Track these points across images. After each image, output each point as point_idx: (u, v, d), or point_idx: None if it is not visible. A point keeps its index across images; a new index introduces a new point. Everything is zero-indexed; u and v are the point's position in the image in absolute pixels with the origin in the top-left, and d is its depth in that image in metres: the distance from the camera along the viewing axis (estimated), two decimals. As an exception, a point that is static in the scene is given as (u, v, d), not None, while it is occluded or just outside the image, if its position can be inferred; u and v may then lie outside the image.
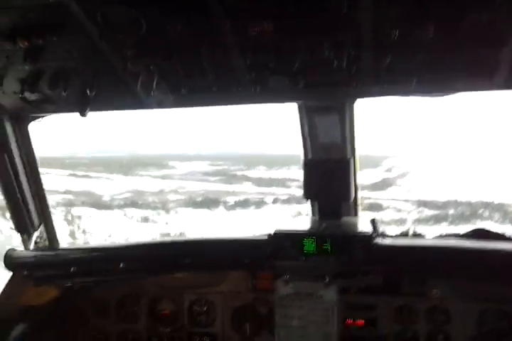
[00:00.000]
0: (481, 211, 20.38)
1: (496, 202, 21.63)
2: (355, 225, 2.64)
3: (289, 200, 22.22)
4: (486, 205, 21.20)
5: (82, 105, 2.08)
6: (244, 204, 21.11)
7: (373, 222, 2.54)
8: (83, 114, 2.06)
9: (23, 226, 2.92)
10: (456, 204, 21.68)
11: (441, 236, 2.52)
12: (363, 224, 2.55)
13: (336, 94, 2.25)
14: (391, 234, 2.57)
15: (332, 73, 1.91)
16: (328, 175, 2.46)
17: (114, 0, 1.61)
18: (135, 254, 2.77)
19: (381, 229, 2.51)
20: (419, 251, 2.41)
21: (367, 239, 2.31)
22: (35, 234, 2.93)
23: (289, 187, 26.06)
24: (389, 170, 38.23)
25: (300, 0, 1.52)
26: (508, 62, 1.74)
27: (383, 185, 27.75)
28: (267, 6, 1.55)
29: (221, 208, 20.40)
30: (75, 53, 1.91)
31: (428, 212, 18.36)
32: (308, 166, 2.59)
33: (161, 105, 2.25)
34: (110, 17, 1.64)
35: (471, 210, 20.24)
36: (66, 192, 23.57)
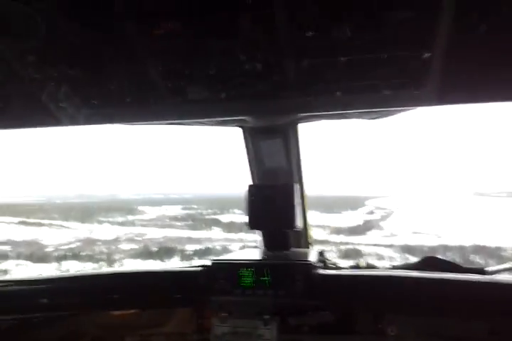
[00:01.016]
0: (473, 257, 17.78)
1: (491, 246, 19.19)
2: (301, 256, 2.28)
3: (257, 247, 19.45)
4: (480, 250, 18.68)
5: None
6: (204, 253, 18.39)
7: (321, 253, 2.38)
8: None
9: None
10: (444, 249, 19.13)
11: (391, 268, 2.36)
12: (311, 256, 2.23)
13: (258, 109, 1.95)
14: (340, 266, 2.34)
15: (251, 83, 1.69)
16: (272, 202, 2.24)
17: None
18: (61, 288, 2.43)
19: (330, 261, 2.34)
20: (369, 281, 2.11)
21: (308, 269, 2.07)
22: None
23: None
24: (371, 212, 36.09)
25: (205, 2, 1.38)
26: (443, 70, 1.49)
27: (363, 228, 25.51)
28: (175, 4, 1.40)
29: (176, 258, 17.61)
30: None
31: (413, 259, 15.44)
32: (252, 192, 2.32)
33: (73, 121, 1.96)
34: (5, 17, 1.47)
35: (463, 256, 17.65)
36: (6, 242, 20.66)
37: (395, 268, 2.38)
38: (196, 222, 29.64)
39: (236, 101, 1.83)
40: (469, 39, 1.39)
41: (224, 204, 37.63)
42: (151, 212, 37.11)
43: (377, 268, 2.40)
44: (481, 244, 19.24)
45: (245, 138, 2.47)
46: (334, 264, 2.40)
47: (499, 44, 1.39)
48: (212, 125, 2.35)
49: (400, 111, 2.05)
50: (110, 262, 17.20)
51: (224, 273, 2.16)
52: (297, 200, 2.33)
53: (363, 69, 1.59)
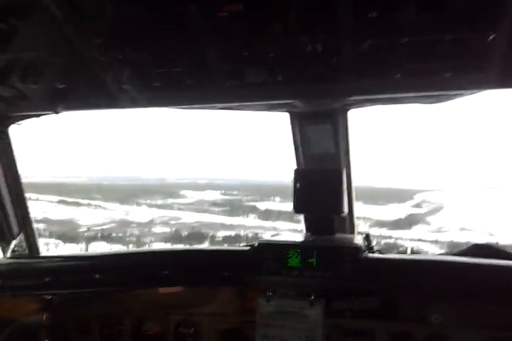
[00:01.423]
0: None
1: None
2: (346, 240, 2.35)
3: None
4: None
5: (54, 101, 2.02)
6: (233, 240, 17.72)
7: (367, 237, 2.37)
8: (56, 111, 2.04)
9: (2, 234, 2.83)
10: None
11: (438, 254, 2.41)
12: (356, 240, 2.29)
13: (321, 93, 1.97)
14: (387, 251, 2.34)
15: (312, 65, 1.69)
16: (319, 187, 2.27)
17: None
18: (110, 264, 2.58)
19: (376, 246, 2.33)
20: (416, 266, 2.15)
21: (355, 253, 2.09)
22: (14, 242, 2.85)
23: (298, 221, 22.42)
24: (418, 205, 34.01)
25: None
26: (501, 53, 1.47)
27: (407, 222, 23.86)
28: None
29: (205, 244, 17.00)
30: (41, 40, 1.77)
31: None
32: (299, 177, 2.34)
33: (135, 102, 2.04)
34: (75, 0, 1.56)
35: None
36: (42, 220, 20.87)
37: (443, 254, 2.34)
38: (233, 207, 29.01)
39: (293, 84, 1.80)
40: None
41: (266, 192, 36.20)
42: (191, 196, 36.74)
43: (421, 253, 2.36)
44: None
45: (292, 122, 2.41)
46: (379, 249, 2.33)
47: None
48: (261, 110, 2.33)
49: (459, 95, 1.96)
50: (139, 245, 16.90)
51: (272, 254, 2.15)
52: (344, 186, 2.28)
53: (425, 51, 1.54)
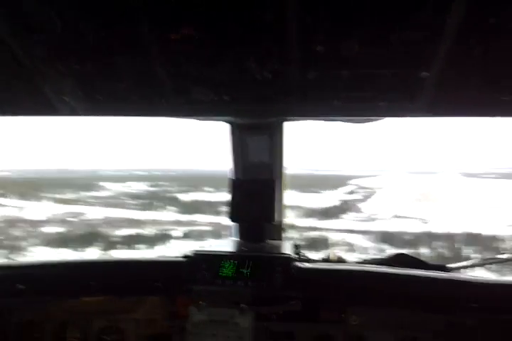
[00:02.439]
0: (460, 246, 14.39)
1: (483, 233, 15.78)
2: (277, 249, 2.40)
3: (205, 234, 16.03)
4: (472, 238, 15.22)
5: None
6: (135, 240, 14.74)
7: (296, 246, 2.41)
8: None
9: None
10: (429, 237, 15.63)
11: (362, 262, 2.47)
12: (286, 248, 2.35)
13: (262, 112, 2.11)
14: (313, 259, 2.42)
15: (257, 88, 1.79)
16: (254, 196, 2.36)
17: None
18: (38, 274, 2.42)
19: (303, 254, 2.40)
20: (340, 276, 2.26)
21: (286, 263, 2.15)
22: None
23: (218, 213, 20.09)
24: (351, 192, 32.59)
25: (224, 7, 1.43)
26: (436, 87, 1.66)
27: (338, 210, 21.97)
28: (192, 11, 1.46)
29: (92, 249, 13.89)
30: None
31: (391, 251, 11.85)
32: (235, 186, 2.45)
33: (75, 112, 1.98)
34: (23, 12, 1.51)
35: (451, 247, 14.20)
36: None
37: (365, 262, 2.43)
38: (154, 200, 25.94)
39: (238, 103, 1.88)
40: (463, 62, 1.53)
41: (201, 182, 34.88)
42: (112, 189, 33.41)
43: (348, 262, 2.44)
44: (472, 231, 15.88)
45: (232, 133, 2.48)
46: (307, 257, 2.38)
47: (489, 68, 1.56)
48: (203, 120, 2.36)
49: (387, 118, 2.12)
50: (12, 250, 13.42)
51: (206, 264, 2.16)
52: (278, 195, 2.39)
53: (364, 81, 1.67)
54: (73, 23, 1.52)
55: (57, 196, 27.13)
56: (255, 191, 2.37)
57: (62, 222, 18.39)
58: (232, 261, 2.17)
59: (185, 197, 27.60)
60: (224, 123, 2.47)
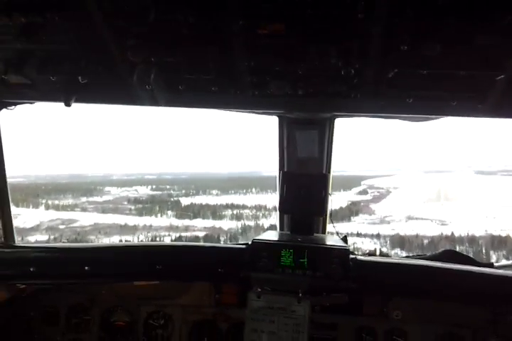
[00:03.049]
0: (487, 250, 12.55)
1: (503, 234, 13.93)
2: (328, 241, 2.36)
3: (197, 241, 14.51)
4: (497, 241, 13.39)
5: (68, 93, 1.93)
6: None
7: (345, 239, 2.43)
8: (68, 104, 1.93)
9: None
10: (451, 240, 13.83)
11: (410, 257, 2.53)
12: (336, 241, 2.33)
13: (331, 106, 2.10)
14: (359, 252, 2.46)
15: (335, 83, 1.84)
16: (305, 190, 2.36)
17: None
18: (101, 257, 2.45)
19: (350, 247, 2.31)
20: (390, 268, 2.27)
21: (344, 254, 2.13)
22: None
23: (220, 217, 18.56)
24: (364, 191, 30.74)
25: (315, 4, 1.48)
26: (502, 89, 1.73)
27: (349, 212, 20.20)
28: (281, 7, 1.50)
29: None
30: (73, 36, 1.75)
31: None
32: (285, 180, 2.41)
33: (155, 102, 2.04)
34: (119, 1, 1.57)
35: (476, 251, 12.39)
36: None
37: (413, 257, 2.48)
38: (155, 204, 24.61)
39: (309, 97, 1.93)
40: None
41: (209, 185, 33.67)
42: (114, 193, 32.20)
43: (390, 256, 2.53)
44: (497, 233, 14.09)
45: (281, 126, 2.53)
46: (352, 251, 2.34)
47: None
48: (256, 113, 2.43)
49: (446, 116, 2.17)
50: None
51: (266, 252, 2.19)
52: (328, 190, 2.41)
53: (439, 81, 1.72)
54: (166, 14, 1.55)
55: (56, 202, 26.01)
56: (307, 185, 2.36)
57: (50, 229, 17.11)
58: (291, 250, 2.17)
59: (187, 200, 26.17)
60: (274, 117, 2.50)
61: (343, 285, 2.12)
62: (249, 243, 2.26)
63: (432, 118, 2.22)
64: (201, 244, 2.77)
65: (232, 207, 22.64)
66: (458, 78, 1.70)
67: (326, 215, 2.60)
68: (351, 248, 2.31)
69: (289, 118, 2.47)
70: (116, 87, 1.98)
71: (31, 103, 2.37)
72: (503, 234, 14.02)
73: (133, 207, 24.17)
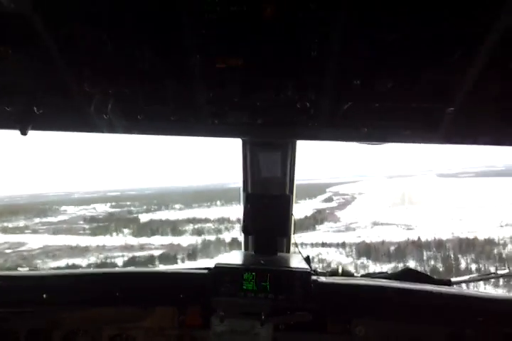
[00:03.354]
0: (455, 254, 12.15)
1: (476, 237, 13.62)
2: (291, 262, 2.36)
3: (152, 261, 13.48)
4: (465, 244, 13.04)
5: (24, 123, 1.81)
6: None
7: (307, 259, 2.40)
8: (24, 133, 1.80)
9: None
10: (418, 246, 13.35)
11: (370, 276, 2.46)
12: (299, 261, 2.32)
13: (289, 133, 2.09)
14: (322, 271, 2.45)
15: (291, 113, 1.83)
16: (268, 210, 2.39)
17: (83, 17, 1.47)
18: (59, 285, 2.36)
19: (313, 266, 2.39)
20: (356, 289, 2.24)
21: (306, 277, 2.13)
22: None
23: (180, 233, 17.54)
24: (329, 199, 30.36)
25: (271, 41, 1.49)
26: (456, 120, 1.74)
27: (314, 221, 19.53)
28: (239, 43, 1.52)
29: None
30: (27, 68, 1.69)
31: (372, 267, 9.93)
32: (249, 201, 2.43)
33: (112, 130, 1.95)
34: (74, 34, 1.51)
35: (444, 257, 11.93)
36: None
37: (373, 276, 2.47)
38: (112, 222, 23.25)
39: (267, 126, 1.97)
40: (480, 100, 1.67)
41: (172, 199, 32.79)
42: (70, 213, 30.63)
43: (353, 274, 2.49)
44: (463, 236, 13.74)
45: (244, 149, 2.53)
46: (315, 270, 2.43)
47: (502, 107, 1.67)
48: (219, 137, 2.33)
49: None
50: None
51: (228, 277, 2.19)
52: (291, 210, 2.48)
53: (392, 112, 1.80)
54: (125, 47, 1.55)
55: (5, 224, 24.16)
56: (271, 205, 2.40)
57: (-3, 254, 15.60)
58: (253, 274, 2.20)
59: (147, 216, 24.95)
60: (238, 139, 2.51)
61: (304, 306, 2.16)
62: (211, 267, 2.29)
63: (388, 142, 2.21)
64: (161, 269, 2.68)
65: (194, 221, 21.64)
66: (409, 110, 1.77)
67: (290, 234, 2.61)
68: (316, 262, 2.36)
69: (252, 142, 2.48)
70: (73, 116, 1.92)
71: None
72: (471, 237, 13.64)
73: (87, 227, 22.72)
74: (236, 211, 27.16)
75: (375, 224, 17.76)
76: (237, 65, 1.58)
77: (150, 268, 2.69)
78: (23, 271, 2.80)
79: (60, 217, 27.75)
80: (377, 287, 2.21)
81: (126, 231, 20.21)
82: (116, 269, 3.08)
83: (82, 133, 2.06)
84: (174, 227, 18.98)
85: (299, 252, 2.55)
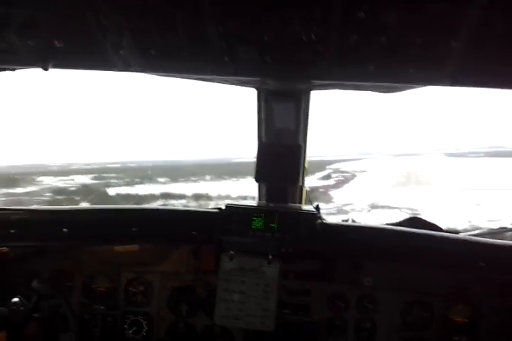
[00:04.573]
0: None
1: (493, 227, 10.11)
2: (299, 208, 2.58)
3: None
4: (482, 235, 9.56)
5: (46, 57, 1.98)
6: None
7: (317, 207, 2.49)
8: (46, 68, 1.98)
9: None
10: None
11: (378, 224, 2.60)
12: (306, 208, 2.51)
13: (297, 73, 2.16)
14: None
15: (299, 49, 1.89)
16: (280, 159, 2.46)
17: None
18: (78, 220, 2.54)
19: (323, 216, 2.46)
20: (359, 232, 2.42)
21: (312, 218, 2.31)
22: None
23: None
24: (327, 176, 27.22)
25: None
26: (462, 58, 1.78)
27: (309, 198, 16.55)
28: None
29: None
30: (47, 1, 1.79)
31: None
32: (262, 149, 2.53)
33: (128, 67, 2.08)
34: None
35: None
36: None
37: (379, 224, 2.58)
38: (79, 195, 20.57)
39: (276, 64, 1.95)
40: (487, 36, 1.64)
41: (162, 172, 30.51)
42: (45, 183, 28.12)
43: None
44: (480, 225, 10.67)
45: (259, 98, 2.57)
46: (325, 219, 2.42)
47: (510, 43, 1.67)
48: (233, 84, 2.46)
49: (411, 87, 2.30)
50: None
51: (238, 217, 2.29)
52: (302, 160, 2.48)
53: (397, 48, 1.77)
54: None
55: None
56: (282, 154, 2.41)
57: None
58: (262, 214, 2.27)
59: (119, 190, 22.14)
60: (252, 89, 2.52)
61: (310, 247, 2.23)
62: (223, 208, 2.37)
63: (398, 89, 2.30)
64: (174, 207, 2.78)
65: (168, 197, 18.69)
66: (414, 45, 1.71)
67: (303, 185, 2.69)
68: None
69: (266, 90, 2.49)
70: (90, 53, 1.95)
71: (12, 70, 2.30)
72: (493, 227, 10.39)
73: (48, 199, 19.92)
74: (223, 186, 24.56)
75: (373, 206, 14.58)
76: None
77: (162, 206, 3.00)
78: (39, 207, 2.96)
79: (30, 188, 25.12)
80: (384, 229, 2.35)
81: (84, 205, 17.28)
82: (131, 206, 3.18)
83: (99, 70, 2.15)
84: (137, 203, 16.00)
85: (310, 201, 2.65)
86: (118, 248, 2.46)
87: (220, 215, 2.35)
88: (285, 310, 2.44)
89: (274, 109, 2.54)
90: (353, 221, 2.62)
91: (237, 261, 2.24)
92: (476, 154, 44.28)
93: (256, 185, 2.65)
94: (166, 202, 17.23)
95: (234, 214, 2.30)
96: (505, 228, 2.61)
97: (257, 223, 2.25)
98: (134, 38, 1.84)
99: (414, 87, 2.26)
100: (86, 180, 30.28)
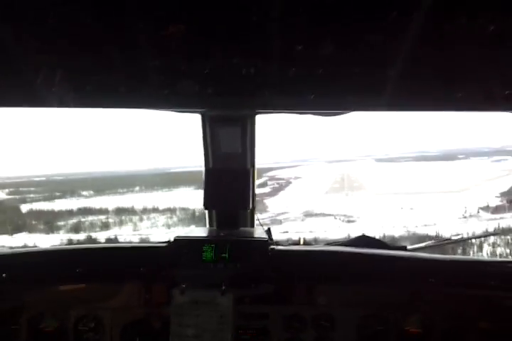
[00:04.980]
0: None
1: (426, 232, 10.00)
2: (252, 234, 2.55)
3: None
4: (419, 240, 9.07)
5: None
6: None
7: (268, 231, 2.52)
8: None
9: None
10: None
11: (329, 244, 2.62)
12: (260, 234, 2.47)
13: (240, 104, 2.28)
14: (284, 242, 2.55)
15: (240, 81, 1.92)
16: (229, 185, 2.45)
17: None
18: (17, 263, 2.43)
19: (275, 238, 2.48)
20: (311, 256, 2.42)
21: (264, 245, 2.28)
22: None
23: (58, 229, 12.90)
24: (264, 184, 26.58)
25: (213, 8, 1.51)
26: (395, 84, 1.84)
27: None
28: (182, 8, 1.52)
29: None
30: None
31: None
32: (209, 175, 2.54)
33: (63, 103, 2.01)
34: (16, 1, 1.48)
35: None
36: None
37: (330, 244, 2.55)
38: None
39: (218, 96, 1.98)
40: (423, 63, 1.70)
41: (86, 186, 27.97)
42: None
43: (314, 245, 2.58)
44: (419, 231, 10.30)
45: (204, 124, 2.57)
46: (277, 241, 2.45)
47: (446, 69, 1.73)
48: (177, 111, 2.44)
49: (351, 111, 2.33)
50: None
51: (187, 250, 2.23)
52: (251, 184, 2.45)
53: (335, 78, 1.80)
54: (67, 15, 1.51)
55: None
56: (231, 180, 2.41)
57: None
58: (212, 245, 2.23)
59: (37, 206, 20.02)
60: (197, 115, 2.52)
61: (263, 274, 2.21)
62: (171, 241, 2.31)
63: (339, 113, 2.30)
64: (120, 245, 2.67)
65: (85, 212, 16.96)
66: (352, 75, 1.76)
67: (253, 209, 2.63)
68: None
69: (210, 117, 2.49)
70: (22, 91, 1.90)
71: None
72: (431, 233, 9.97)
73: None
74: (152, 198, 23.06)
75: (307, 214, 13.91)
76: (179, 31, 1.52)
77: (108, 244, 2.84)
78: None
79: None
80: (334, 252, 2.37)
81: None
82: (74, 246, 3.02)
83: (32, 108, 2.08)
84: (48, 221, 14.18)
85: (261, 226, 2.64)
86: (64, 287, 2.41)
87: (169, 249, 2.31)
88: (244, 336, 2.36)
89: (219, 134, 2.55)
90: (305, 240, 2.58)
91: (189, 294, 2.17)
92: (405, 159, 45.90)
93: (205, 210, 2.59)
94: (84, 219, 15.58)
95: (183, 247, 2.25)
96: (450, 239, 2.74)
97: (208, 254, 2.21)
98: (67, 76, 1.80)
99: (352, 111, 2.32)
100: (1, 195, 27.39)
